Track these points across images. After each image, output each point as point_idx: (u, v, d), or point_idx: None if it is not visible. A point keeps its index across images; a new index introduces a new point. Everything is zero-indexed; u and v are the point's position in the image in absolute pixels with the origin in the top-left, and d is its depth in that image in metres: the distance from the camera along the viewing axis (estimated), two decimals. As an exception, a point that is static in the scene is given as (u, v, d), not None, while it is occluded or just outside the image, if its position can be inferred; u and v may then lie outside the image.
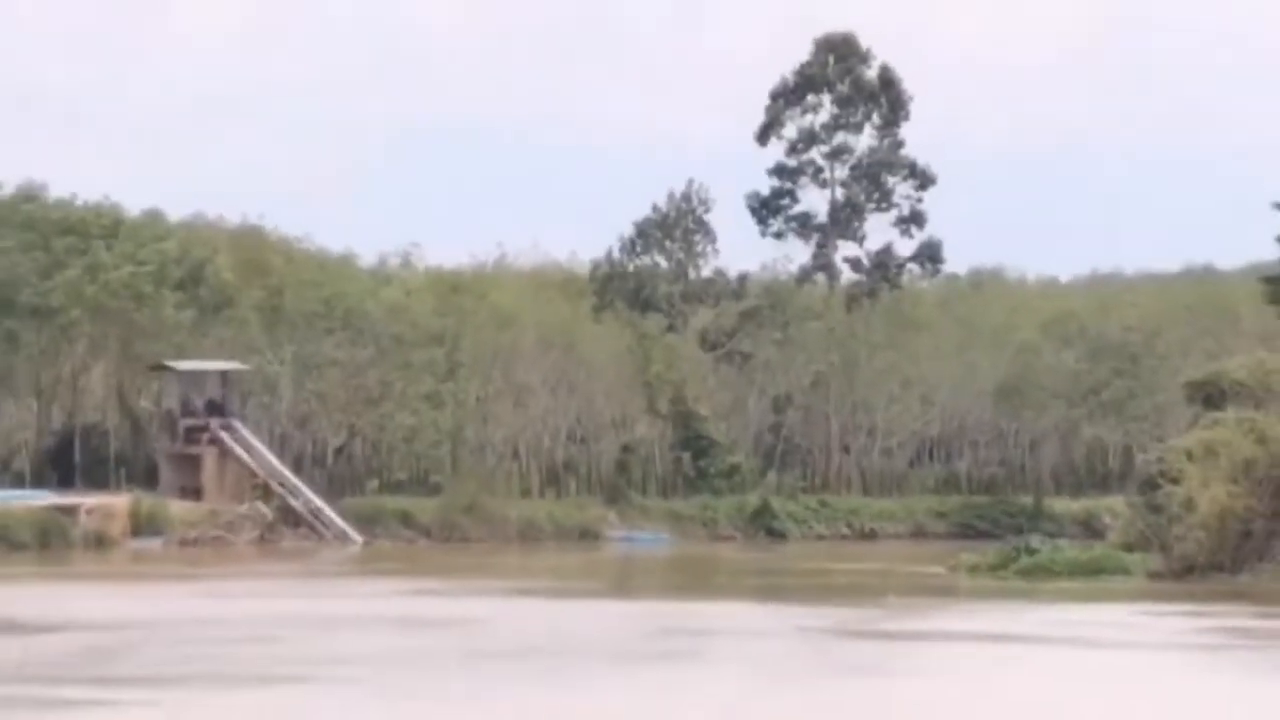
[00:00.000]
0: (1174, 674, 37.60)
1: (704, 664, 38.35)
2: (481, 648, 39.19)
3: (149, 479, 77.31)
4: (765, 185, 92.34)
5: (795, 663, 39.70)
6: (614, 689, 33.72)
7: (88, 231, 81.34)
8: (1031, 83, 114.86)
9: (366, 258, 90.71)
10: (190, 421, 78.04)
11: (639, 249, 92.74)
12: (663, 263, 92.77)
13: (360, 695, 31.69)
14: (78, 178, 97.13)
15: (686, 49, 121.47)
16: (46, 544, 64.62)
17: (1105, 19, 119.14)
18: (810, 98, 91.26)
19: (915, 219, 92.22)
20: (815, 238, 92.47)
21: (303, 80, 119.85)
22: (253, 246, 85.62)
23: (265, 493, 76.73)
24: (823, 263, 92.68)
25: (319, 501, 76.56)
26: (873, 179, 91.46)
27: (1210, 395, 64.91)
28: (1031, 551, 63.59)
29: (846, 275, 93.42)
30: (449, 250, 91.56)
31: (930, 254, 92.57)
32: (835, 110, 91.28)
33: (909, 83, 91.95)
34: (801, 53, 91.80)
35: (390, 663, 36.35)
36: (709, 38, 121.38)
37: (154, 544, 69.78)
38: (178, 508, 74.29)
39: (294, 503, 76.32)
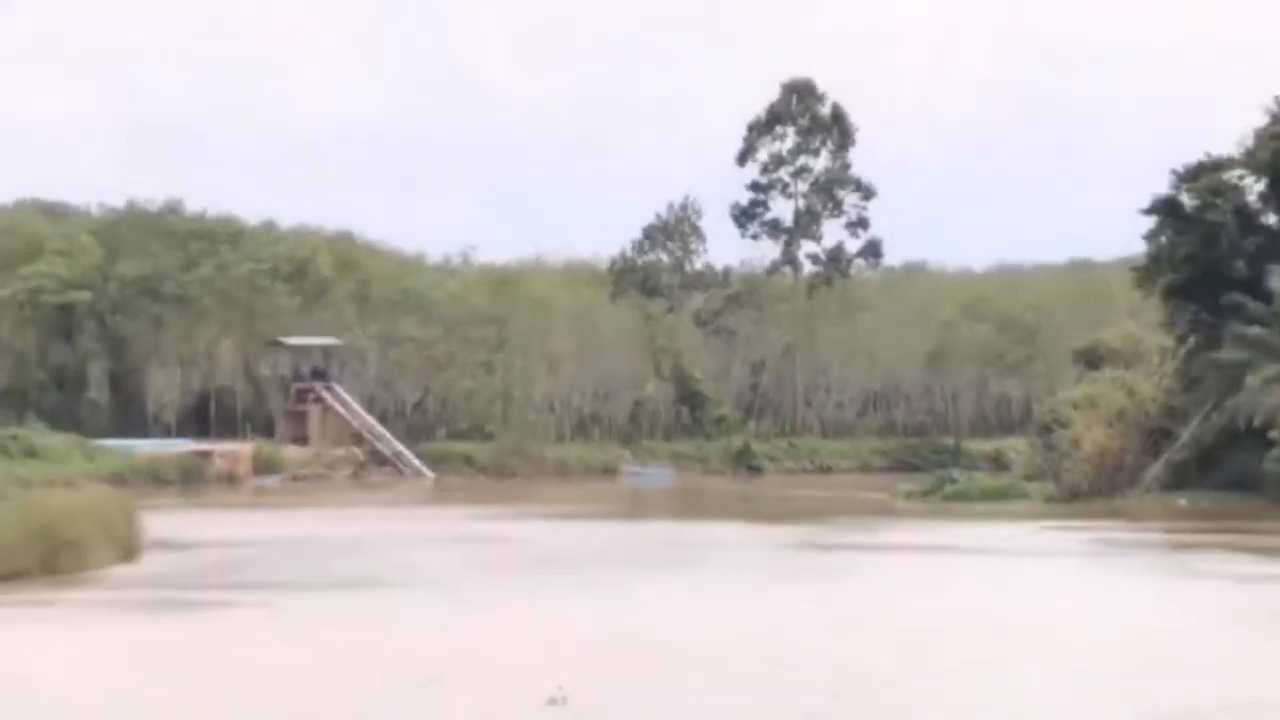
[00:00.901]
0: (1064, 572, 38.10)
1: (701, 569, 38.54)
2: (527, 558, 39.43)
3: (267, 430, 77.70)
4: (744, 198, 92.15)
5: (772, 567, 40.10)
6: (633, 587, 33.97)
7: (216, 237, 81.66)
8: (952, 111, 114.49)
9: (433, 256, 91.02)
10: (299, 385, 78.36)
11: (646, 248, 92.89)
12: (664, 259, 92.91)
13: (434, 596, 32.12)
14: (207, 195, 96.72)
15: (684, 94, 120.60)
16: (188, 481, 64.81)
17: (1011, 59, 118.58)
18: (778, 129, 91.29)
19: (861, 223, 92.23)
20: (783, 238, 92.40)
21: (382, 112, 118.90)
22: (345, 248, 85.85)
23: (358, 440, 77.16)
24: (789, 258, 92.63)
25: (399, 446, 76.88)
26: (827, 192, 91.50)
27: (1091, 359, 65.19)
28: (953, 481, 63.85)
29: (808, 268, 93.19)
30: (498, 250, 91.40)
31: (873, 250, 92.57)
32: (797, 139, 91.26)
33: (856, 114, 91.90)
34: (771, 94, 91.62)
35: (457, 570, 36.60)
36: (702, 82, 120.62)
37: (272, 480, 70.05)
38: (290, 452, 74.64)
39: (380, 447, 76.66)
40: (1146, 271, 62.79)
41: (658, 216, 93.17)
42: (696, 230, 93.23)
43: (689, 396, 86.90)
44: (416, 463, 76.07)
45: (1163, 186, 61.44)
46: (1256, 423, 55.69)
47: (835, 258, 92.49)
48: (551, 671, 20.81)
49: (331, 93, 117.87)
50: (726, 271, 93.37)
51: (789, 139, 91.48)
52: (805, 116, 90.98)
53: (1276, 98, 60.58)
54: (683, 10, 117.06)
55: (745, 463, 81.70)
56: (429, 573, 35.70)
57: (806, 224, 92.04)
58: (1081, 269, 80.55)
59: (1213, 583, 34.53)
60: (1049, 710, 20.39)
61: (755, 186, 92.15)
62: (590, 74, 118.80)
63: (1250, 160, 60.74)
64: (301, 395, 78.15)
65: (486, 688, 21.21)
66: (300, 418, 77.69)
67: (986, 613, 30.99)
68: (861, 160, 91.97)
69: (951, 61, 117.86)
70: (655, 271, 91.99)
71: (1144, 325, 63.04)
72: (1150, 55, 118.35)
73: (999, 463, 69.56)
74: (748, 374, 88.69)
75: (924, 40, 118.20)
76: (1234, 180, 60.96)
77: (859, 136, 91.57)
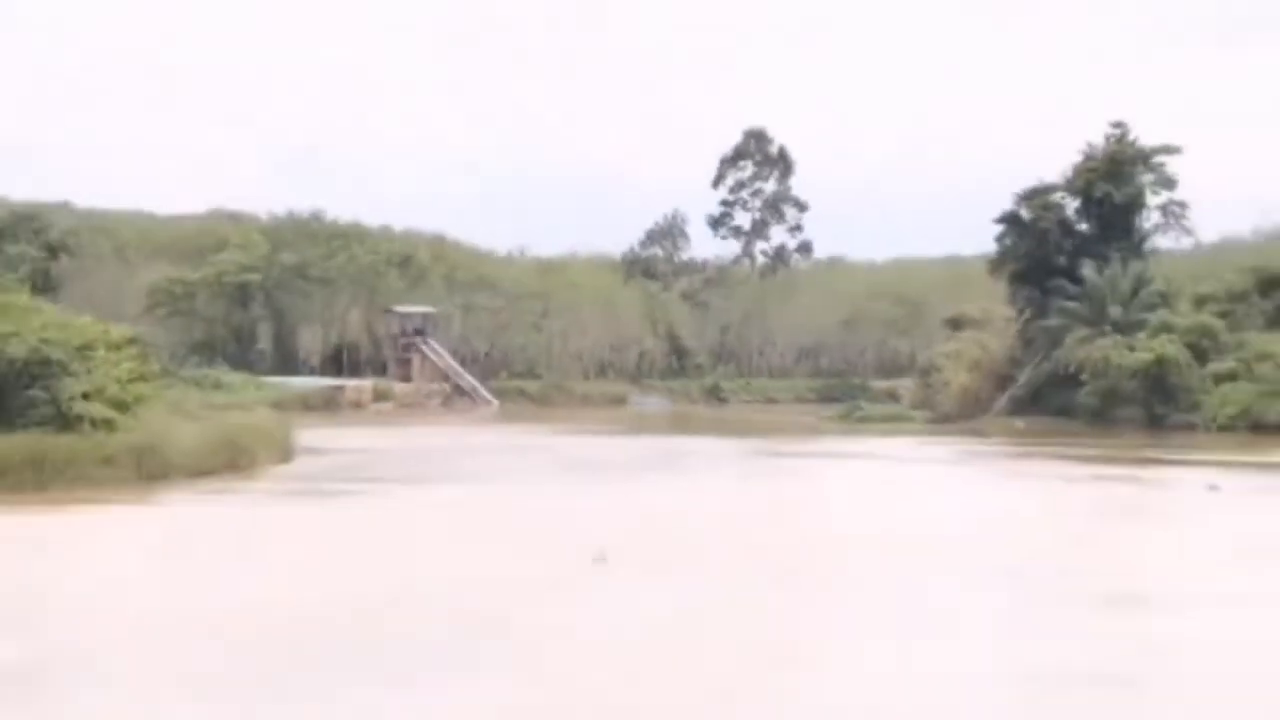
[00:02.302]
0: (937, 471, 38.15)
1: (690, 468, 38.77)
2: (565, 462, 39.35)
3: (382, 371, 77.67)
4: (716, 210, 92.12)
5: (739, 466, 40.32)
6: (644, 481, 34.14)
7: (348, 236, 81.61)
8: (863, 148, 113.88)
9: (500, 250, 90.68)
10: (405, 340, 78.16)
11: (647, 246, 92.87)
12: (660, 253, 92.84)
13: (500, 486, 32.07)
14: (341, 205, 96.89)
15: (676, 135, 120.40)
16: (326, 407, 64.79)
17: (907, 117, 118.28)
18: (740, 163, 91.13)
19: (797, 228, 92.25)
20: (743, 239, 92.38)
21: (460, 133, 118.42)
22: (438, 245, 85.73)
23: (445, 378, 76.50)
24: (747, 253, 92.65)
25: (474, 382, 76.88)
26: (774, 207, 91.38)
27: (957, 324, 65.19)
28: (861, 409, 63.93)
29: (760, 260, 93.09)
30: (544, 247, 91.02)
31: (805, 248, 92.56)
32: (754, 170, 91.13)
33: (796, 149, 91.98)
34: (736, 138, 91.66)
35: (516, 469, 36.69)
36: (689, 127, 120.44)
37: (385, 406, 70.04)
38: (398, 387, 74.62)
39: (460, 384, 76.66)
40: (996, 263, 62.92)
41: (656, 223, 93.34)
42: (683, 233, 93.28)
43: (676, 349, 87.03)
44: (486, 394, 76.09)
45: (1009, 203, 61.63)
46: (1072, 369, 55.95)
47: (779, 253, 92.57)
48: (593, 538, 20.72)
49: (428, 126, 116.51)
50: (704, 263, 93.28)
51: (748, 169, 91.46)
52: (760, 154, 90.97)
53: (1088, 143, 60.80)
54: (673, 71, 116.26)
55: (715, 395, 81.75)
56: (495, 471, 35.81)
57: (759, 229, 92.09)
58: (953, 262, 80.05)
59: (1040, 480, 34.70)
60: (924, 538, 20.62)
61: (724, 203, 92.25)
62: (608, 120, 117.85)
63: (1069, 185, 60.90)
64: (406, 347, 77.93)
65: (547, 549, 21.16)
66: (405, 363, 77.60)
67: (883, 494, 31.41)
68: (799, 183, 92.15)
69: (866, 112, 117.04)
70: (654, 262, 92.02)
71: (994, 301, 62.96)
72: (998, 109, 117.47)
73: (893, 396, 69.47)
74: (717, 334, 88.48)
75: (849, 96, 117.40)
76: (1057, 199, 61.06)
77: (797, 167, 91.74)
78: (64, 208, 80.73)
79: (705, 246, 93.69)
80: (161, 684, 12.77)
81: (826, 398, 74.94)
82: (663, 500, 29.62)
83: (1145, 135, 60.79)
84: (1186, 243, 62.79)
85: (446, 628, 15.47)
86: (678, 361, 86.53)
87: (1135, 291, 57.50)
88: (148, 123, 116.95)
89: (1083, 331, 56.56)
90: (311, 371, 75.97)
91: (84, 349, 30.08)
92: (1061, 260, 59.63)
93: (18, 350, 28.39)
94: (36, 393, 28.33)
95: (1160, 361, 53.84)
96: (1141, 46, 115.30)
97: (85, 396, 28.97)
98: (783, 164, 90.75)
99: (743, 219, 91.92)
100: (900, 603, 17.14)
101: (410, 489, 31.05)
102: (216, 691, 12.53)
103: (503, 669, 13.41)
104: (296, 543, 22.51)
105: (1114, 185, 59.70)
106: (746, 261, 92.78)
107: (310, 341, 79.38)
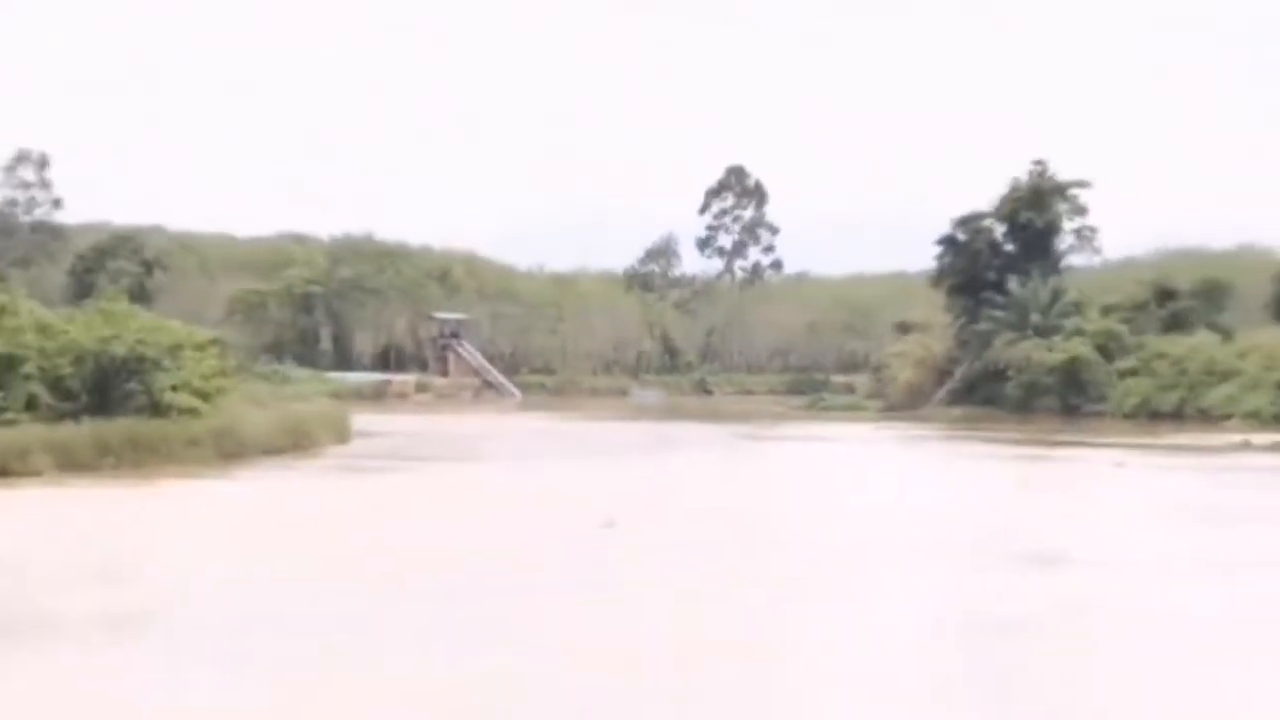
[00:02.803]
0: (887, 449, 38.23)
1: (683, 448, 38.70)
2: (577, 443, 39.43)
3: (423, 367, 77.84)
4: (703, 234, 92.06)
5: (724, 445, 40.32)
6: (645, 459, 34.27)
7: (395, 254, 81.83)
8: (828, 179, 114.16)
9: (521, 266, 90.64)
10: (442, 341, 78.44)
11: (645, 263, 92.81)
12: (656, 269, 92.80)
13: (521, 463, 32.27)
14: (390, 228, 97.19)
15: (669, 170, 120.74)
16: (376, 398, 65.06)
17: (864, 154, 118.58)
18: (723, 193, 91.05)
19: (770, 249, 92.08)
20: (725, 258, 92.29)
21: (490, 168, 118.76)
22: (470, 261, 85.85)
23: (475, 374, 76.51)
24: (729, 269, 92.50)
25: (500, 378, 77.04)
26: (750, 231, 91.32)
27: (904, 328, 65.28)
28: (823, 400, 64.16)
29: (739, 275, 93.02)
30: (560, 263, 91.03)
31: (777, 265, 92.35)
32: (734, 200, 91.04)
33: (770, 180, 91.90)
34: (719, 173, 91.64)
35: (535, 450, 36.85)
36: (679, 163, 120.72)
37: (426, 398, 70.24)
38: (437, 381, 74.87)
39: (489, 379, 76.79)
40: (937, 278, 62.90)
41: (652, 244, 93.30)
42: (675, 253, 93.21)
43: (669, 350, 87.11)
44: (511, 387, 76.18)
45: (947, 228, 61.65)
46: (1000, 366, 56.12)
47: (755, 270, 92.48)
48: (602, 506, 20.80)
49: (462, 162, 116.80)
50: (692, 277, 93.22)
51: (729, 200, 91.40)
52: (739, 187, 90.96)
53: (1014, 177, 60.90)
54: (668, 116, 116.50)
55: (702, 388, 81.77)
56: (517, 451, 35.96)
57: (738, 250, 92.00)
58: (900, 277, 79.97)
59: (973, 459, 34.71)
60: (873, 505, 20.72)
61: (709, 228, 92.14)
62: (614, 156, 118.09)
63: (997, 213, 60.98)
64: (443, 348, 78.10)
65: (562, 515, 21.20)
66: (443, 361, 77.73)
67: (843, 466, 31.49)
68: (772, 210, 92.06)
69: (830, 152, 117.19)
70: (651, 277, 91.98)
71: (935, 309, 62.98)
72: (940, 148, 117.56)
73: (850, 389, 69.50)
74: (703, 337, 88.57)
75: (815, 138, 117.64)
76: (987, 224, 61.13)
77: (770, 197, 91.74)
78: (157, 230, 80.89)
79: (693, 264, 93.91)
80: (246, 623, 12.87)
81: (794, 390, 75.03)
82: (660, 473, 29.76)
83: (1062, 170, 61.21)
84: (1095, 261, 63.10)
85: (490, 573, 15.69)
86: (670, 360, 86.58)
87: (1053, 302, 57.60)
88: (227, 156, 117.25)
89: (1009, 335, 56.66)
90: (364, 368, 76.01)
91: (173, 349, 30.15)
92: (991, 275, 59.70)
93: (119, 350, 28.47)
94: (134, 385, 28.39)
95: (1074, 360, 54.06)
96: (1060, 92, 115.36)
97: (174, 388, 29.04)
98: (758, 195, 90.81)
99: (725, 241, 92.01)
100: (846, 561, 17.21)
101: (448, 466, 31.07)
102: (293, 627, 12.65)
103: (537, 599, 13.77)
104: (353, 509, 22.58)
105: (1035, 213, 59.85)
106: (728, 276, 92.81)
107: (363, 343, 79.48)
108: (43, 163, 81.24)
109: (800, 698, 10.27)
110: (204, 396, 29.99)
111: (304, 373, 66.36)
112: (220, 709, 9.82)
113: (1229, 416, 47.47)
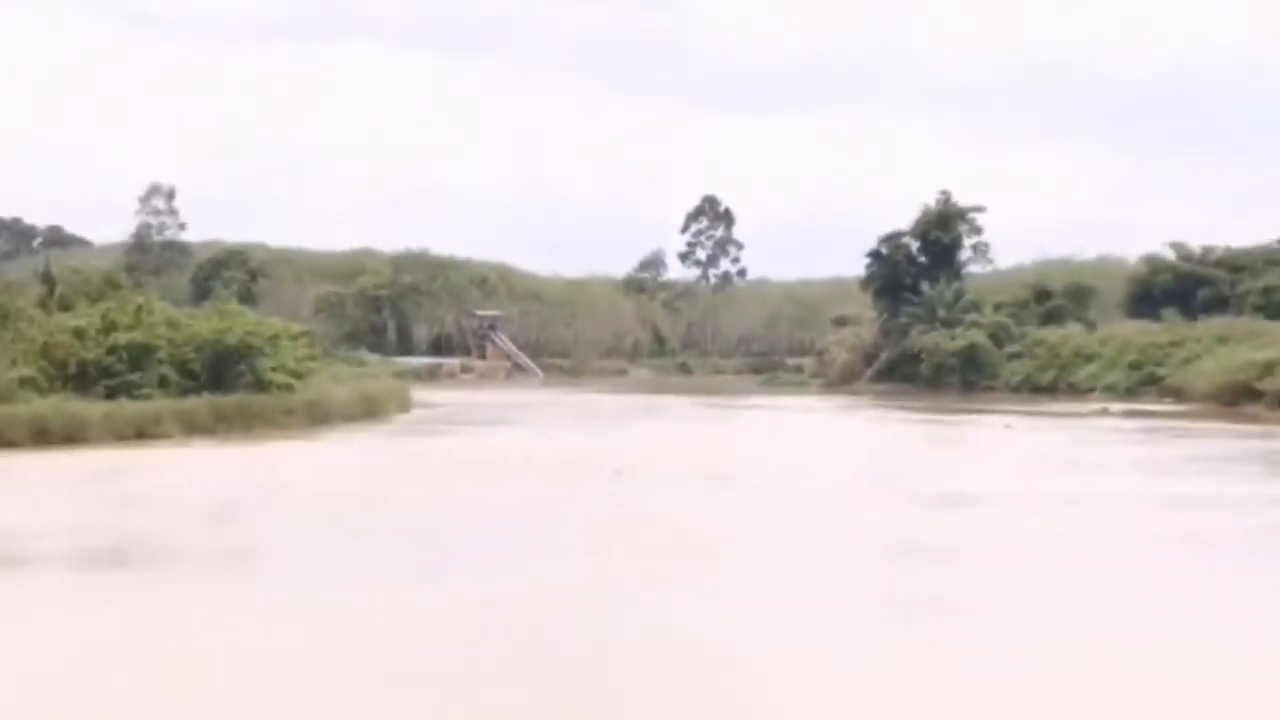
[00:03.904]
0: (826, 415, 38.02)
1: (672, 416, 38.42)
2: (588, 412, 39.31)
3: (466, 353, 77.40)
4: (684, 248, 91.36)
5: (704, 413, 40.18)
6: (642, 424, 33.98)
7: (445, 265, 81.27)
8: (784, 204, 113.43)
9: (543, 273, 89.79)
10: (481, 333, 78.05)
11: (640, 271, 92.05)
12: (648, 276, 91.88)
13: (543, 428, 32.11)
14: (441, 242, 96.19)
15: (659, 200, 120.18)
16: (430, 377, 64.78)
17: (812, 186, 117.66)
18: (700, 217, 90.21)
19: (737, 260, 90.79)
20: (701, 268, 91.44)
21: (519, 191, 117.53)
22: (503, 271, 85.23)
23: (507, 358, 75.66)
24: (705, 276, 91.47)
25: (527, 361, 76.76)
26: (721, 246, 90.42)
27: (840, 322, 64.73)
28: (779, 378, 64.14)
29: (713, 281, 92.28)
30: (572, 270, 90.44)
31: (742, 273, 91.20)
32: (707, 222, 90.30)
33: (737, 206, 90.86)
34: (696, 200, 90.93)
35: (555, 417, 36.83)
36: (668, 194, 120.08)
37: (469, 377, 69.94)
38: (477, 364, 74.48)
39: (519, 362, 76.55)
40: (866, 282, 62.61)
41: (645, 257, 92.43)
42: (663, 263, 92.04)
43: (658, 339, 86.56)
44: (535, 369, 75.87)
45: (874, 243, 61.34)
46: (914, 351, 55.98)
47: (725, 277, 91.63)
48: (611, 460, 20.77)
49: (497, 188, 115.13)
50: (676, 282, 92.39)
51: (704, 222, 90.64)
52: (712, 212, 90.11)
53: (925, 204, 60.70)
54: (654, 154, 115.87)
55: (683, 369, 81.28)
56: (538, 419, 35.86)
57: (712, 261, 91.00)
58: (838, 281, 79.24)
59: (892, 423, 34.79)
60: (817, 461, 20.79)
61: (689, 244, 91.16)
62: (616, 186, 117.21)
63: (913, 231, 60.68)
64: (482, 338, 77.66)
65: (577, 469, 21.12)
66: (482, 348, 77.24)
67: (791, 428, 31.29)
68: (738, 230, 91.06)
69: (785, 182, 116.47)
70: (644, 282, 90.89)
71: (864, 307, 62.80)
72: (871, 178, 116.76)
73: (799, 369, 69.41)
74: (685, 329, 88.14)
75: (773, 170, 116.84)
76: (905, 241, 60.94)
77: (737, 219, 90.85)
78: (260, 246, 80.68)
79: (677, 272, 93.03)
80: (337, 544, 12.95)
81: (755, 370, 74.81)
82: (656, 435, 29.71)
83: (963, 197, 61.03)
84: (988, 269, 62.88)
85: (530, 509, 15.76)
86: (659, 346, 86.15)
87: (955, 301, 57.60)
88: (314, 187, 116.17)
89: (921, 327, 56.65)
90: (420, 353, 75.61)
91: (273, 339, 30.16)
92: (908, 280, 59.59)
93: (230, 340, 28.48)
94: (242, 367, 28.35)
95: (972, 346, 54.09)
96: (963, 132, 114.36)
97: (274, 370, 29.01)
98: (727, 218, 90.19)
99: (701, 254, 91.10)
100: (792, 499, 17.30)
101: (489, 429, 31.02)
102: (381, 546, 12.81)
103: (567, 527, 13.92)
104: (417, 462, 22.60)
105: (941, 231, 59.75)
106: (703, 282, 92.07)
107: (420, 334, 78.96)
108: (170, 194, 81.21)
109: (742, 578, 10.65)
110: (297, 376, 29.99)
111: (374, 358, 66.08)
112: (315, 605, 9.98)
113: (1092, 390, 47.59)
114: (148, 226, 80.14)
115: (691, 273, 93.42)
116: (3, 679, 7.84)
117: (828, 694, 7.70)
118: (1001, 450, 26.12)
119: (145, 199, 79.66)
